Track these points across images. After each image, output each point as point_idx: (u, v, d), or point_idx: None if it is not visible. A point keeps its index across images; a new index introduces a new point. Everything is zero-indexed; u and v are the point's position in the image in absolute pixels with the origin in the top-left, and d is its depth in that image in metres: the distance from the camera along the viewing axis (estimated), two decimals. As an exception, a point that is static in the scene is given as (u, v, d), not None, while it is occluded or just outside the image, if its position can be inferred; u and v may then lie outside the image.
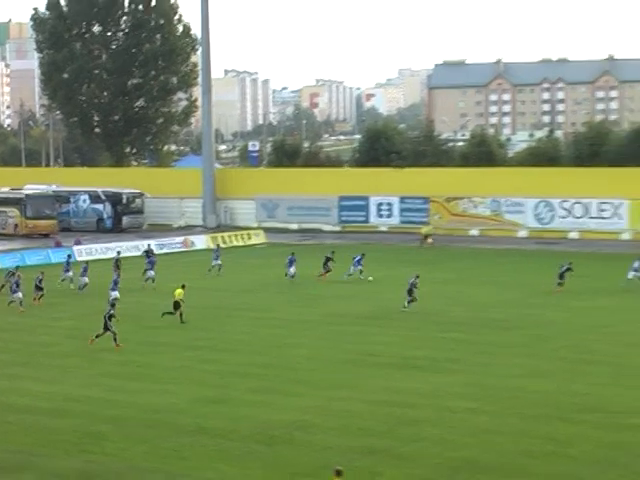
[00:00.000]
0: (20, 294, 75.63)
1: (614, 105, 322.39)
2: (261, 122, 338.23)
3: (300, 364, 58.32)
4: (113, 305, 64.80)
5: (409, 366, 57.19)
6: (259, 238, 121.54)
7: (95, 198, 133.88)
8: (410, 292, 73.22)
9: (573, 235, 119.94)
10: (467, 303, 75.30)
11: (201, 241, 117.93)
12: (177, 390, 52.11)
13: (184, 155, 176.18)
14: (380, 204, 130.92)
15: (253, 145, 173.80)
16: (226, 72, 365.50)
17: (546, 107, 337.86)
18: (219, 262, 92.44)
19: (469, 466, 38.96)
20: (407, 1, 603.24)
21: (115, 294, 74.32)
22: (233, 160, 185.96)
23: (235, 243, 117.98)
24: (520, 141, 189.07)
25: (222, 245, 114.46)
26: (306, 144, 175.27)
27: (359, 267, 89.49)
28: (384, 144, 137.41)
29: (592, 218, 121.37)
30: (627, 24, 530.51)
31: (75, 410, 48.11)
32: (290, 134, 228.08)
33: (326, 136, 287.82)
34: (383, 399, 49.57)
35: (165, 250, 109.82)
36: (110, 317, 62.19)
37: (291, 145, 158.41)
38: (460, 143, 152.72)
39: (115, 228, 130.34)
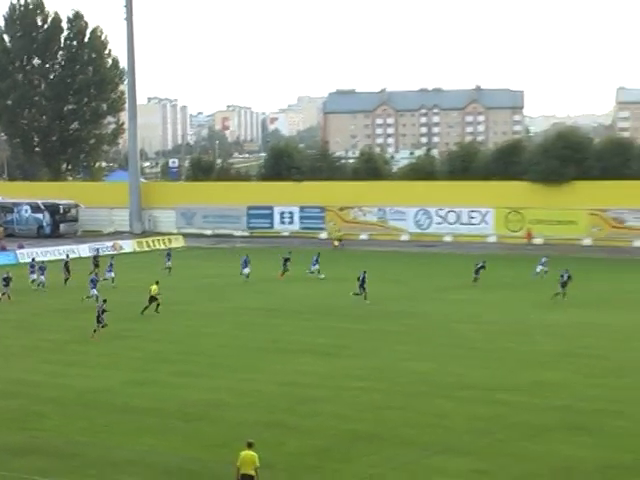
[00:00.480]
0: None
1: (481, 128, 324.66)
2: (180, 142, 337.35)
3: (215, 351, 58.86)
4: (105, 301, 64.75)
5: (309, 352, 57.80)
6: (178, 242, 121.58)
7: (36, 208, 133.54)
8: (362, 285, 73.80)
9: (447, 239, 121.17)
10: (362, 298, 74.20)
11: (128, 245, 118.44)
12: (109, 374, 52.67)
13: (113, 171, 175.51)
14: (283, 213, 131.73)
15: (173, 162, 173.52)
16: (149, 99, 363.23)
17: (424, 130, 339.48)
18: (170, 264, 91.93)
19: (362, 437, 40.20)
20: (305, 35, 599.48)
21: (95, 292, 73.30)
22: (156, 175, 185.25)
23: (158, 247, 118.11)
24: (402, 158, 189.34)
25: (146, 249, 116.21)
26: (219, 161, 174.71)
27: (317, 266, 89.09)
28: (286, 161, 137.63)
29: (463, 224, 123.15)
30: (492, 58, 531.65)
31: (19, 392, 48.58)
32: (205, 153, 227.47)
33: (236, 154, 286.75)
34: (287, 380, 50.54)
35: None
36: (103, 311, 62.90)
37: (206, 162, 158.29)
38: (351, 160, 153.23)
39: (53, 234, 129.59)
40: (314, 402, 46.53)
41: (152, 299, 70.77)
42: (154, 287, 71.32)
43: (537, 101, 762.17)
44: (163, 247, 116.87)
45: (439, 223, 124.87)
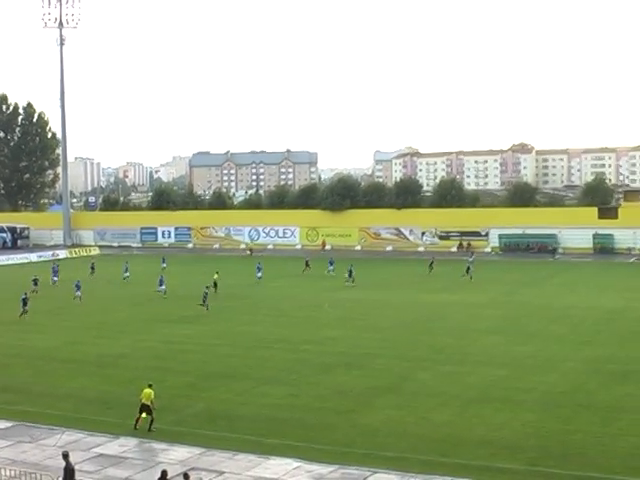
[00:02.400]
0: None
1: (290, 176, 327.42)
2: (96, 186, 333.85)
3: (121, 322, 57.81)
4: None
5: (181, 321, 57.35)
6: (95, 251, 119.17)
7: (1, 230, 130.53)
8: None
9: (270, 247, 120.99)
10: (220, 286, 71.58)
11: (63, 253, 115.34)
12: (54, 337, 51.95)
13: (52, 205, 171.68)
14: (164, 231, 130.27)
15: (91, 199, 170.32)
16: (76, 158, 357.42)
17: (254, 177, 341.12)
18: (128, 274, 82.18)
19: (218, 375, 40.51)
20: (175, 106, 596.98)
21: (79, 293, 67.73)
22: (80, 207, 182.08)
23: (82, 254, 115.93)
24: (240, 196, 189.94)
25: (75, 255, 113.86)
26: (121, 198, 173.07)
27: (259, 274, 79.60)
28: (166, 198, 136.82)
29: (280, 237, 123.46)
30: (298, 127, 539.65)
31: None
32: (112, 193, 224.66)
33: (133, 194, 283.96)
34: (167, 339, 50.40)
35: (43, 259, 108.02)
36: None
37: (113, 199, 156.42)
38: (207, 197, 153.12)
39: (13, 247, 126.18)
40: (185, 353, 46.48)
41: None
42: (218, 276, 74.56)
43: (326, 158, 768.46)
44: (85, 254, 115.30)
45: (264, 237, 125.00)
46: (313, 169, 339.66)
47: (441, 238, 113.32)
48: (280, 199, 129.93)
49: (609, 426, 31.02)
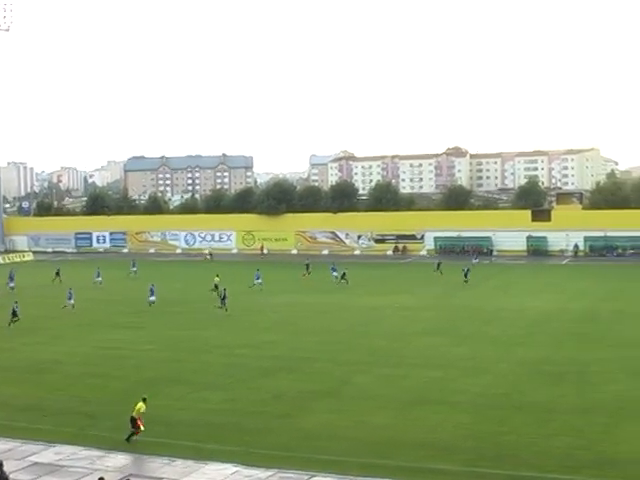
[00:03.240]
0: None
1: (226, 180, 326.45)
2: (29, 191, 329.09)
3: (56, 328, 56.99)
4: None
5: (118, 326, 56.91)
6: (30, 257, 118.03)
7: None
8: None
9: (206, 251, 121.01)
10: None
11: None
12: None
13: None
14: (98, 236, 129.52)
15: (25, 204, 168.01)
16: (8, 163, 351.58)
17: (189, 181, 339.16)
18: (100, 279, 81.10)
19: (154, 380, 40.18)
20: (108, 110, 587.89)
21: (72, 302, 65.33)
22: (14, 212, 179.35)
23: (16, 260, 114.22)
24: (175, 200, 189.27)
25: (8, 261, 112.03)
26: (55, 203, 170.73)
27: (259, 280, 75.90)
28: (100, 202, 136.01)
29: (216, 242, 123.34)
30: (234, 132, 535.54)
31: None
32: (46, 198, 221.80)
33: (67, 199, 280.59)
34: (104, 345, 49.90)
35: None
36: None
37: (46, 204, 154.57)
38: (142, 201, 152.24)
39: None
40: (120, 359, 46.14)
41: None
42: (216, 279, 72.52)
43: (262, 162, 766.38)
44: (19, 260, 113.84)
45: (200, 241, 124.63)
46: (249, 173, 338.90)
47: (377, 241, 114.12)
48: (216, 203, 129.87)
49: (543, 427, 31.53)
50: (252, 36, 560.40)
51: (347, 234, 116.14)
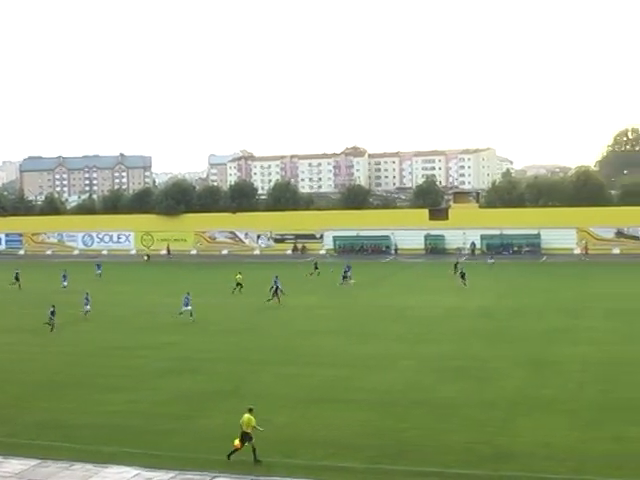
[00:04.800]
0: None
1: (124, 180, 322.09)
2: None
3: None
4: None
5: (21, 330, 55.50)
6: None
7: None
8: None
9: (105, 252, 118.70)
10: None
11: None
12: None
13: None
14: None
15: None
16: None
17: (87, 182, 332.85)
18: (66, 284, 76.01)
19: (53, 383, 39.60)
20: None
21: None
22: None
23: None
24: (73, 201, 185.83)
25: None
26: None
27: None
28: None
29: (114, 242, 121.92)
30: (133, 131, 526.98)
31: None
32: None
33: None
34: (3, 349, 48.56)
35: None
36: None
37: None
38: (39, 202, 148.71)
39: None
40: (20, 362, 45.08)
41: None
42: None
43: (161, 162, 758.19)
44: None
45: (99, 242, 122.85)
46: (147, 173, 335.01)
47: (276, 241, 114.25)
48: (114, 204, 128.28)
49: (444, 422, 32.01)
50: (147, 33, 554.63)
51: (246, 234, 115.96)
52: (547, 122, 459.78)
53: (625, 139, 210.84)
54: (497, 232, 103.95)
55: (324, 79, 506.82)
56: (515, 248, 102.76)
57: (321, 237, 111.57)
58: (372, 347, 47.21)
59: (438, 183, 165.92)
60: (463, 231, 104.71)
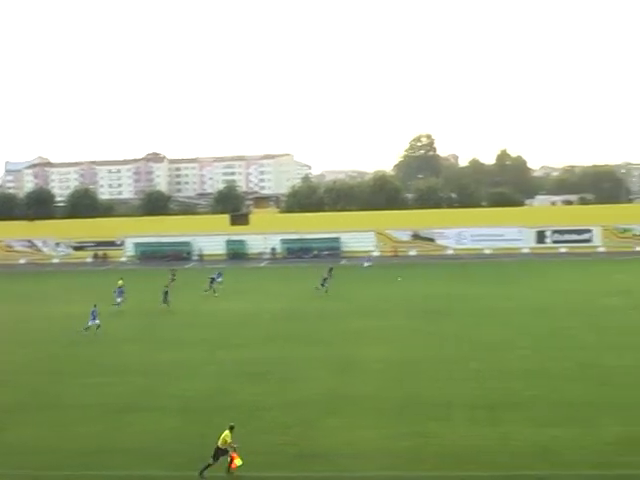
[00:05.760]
0: None
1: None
2: None
3: None
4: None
5: None
6: None
7: None
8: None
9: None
10: None
11: None
12: None
13: None
14: None
15: None
16: None
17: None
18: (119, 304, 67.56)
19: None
20: None
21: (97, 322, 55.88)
22: None
23: None
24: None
25: None
26: None
27: (219, 280, 73.40)
28: None
29: None
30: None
31: None
32: None
33: None
34: None
35: None
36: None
37: None
38: None
39: None
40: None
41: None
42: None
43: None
44: None
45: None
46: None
47: (76, 249, 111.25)
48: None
49: (250, 425, 32.37)
50: None
51: (45, 242, 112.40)
52: (345, 128, 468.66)
53: (420, 144, 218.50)
54: (297, 236, 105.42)
55: (121, 83, 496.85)
56: (315, 252, 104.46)
57: (122, 244, 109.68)
58: (175, 354, 47.00)
59: (238, 188, 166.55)
60: (264, 236, 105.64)
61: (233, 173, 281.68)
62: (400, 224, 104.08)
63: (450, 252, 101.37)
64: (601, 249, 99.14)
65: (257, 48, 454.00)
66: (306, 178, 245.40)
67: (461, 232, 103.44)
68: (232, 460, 27.60)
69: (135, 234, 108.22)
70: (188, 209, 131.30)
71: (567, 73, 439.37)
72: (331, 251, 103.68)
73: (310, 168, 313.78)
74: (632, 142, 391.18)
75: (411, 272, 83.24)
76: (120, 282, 69.40)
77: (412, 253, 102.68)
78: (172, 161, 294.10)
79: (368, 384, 38.78)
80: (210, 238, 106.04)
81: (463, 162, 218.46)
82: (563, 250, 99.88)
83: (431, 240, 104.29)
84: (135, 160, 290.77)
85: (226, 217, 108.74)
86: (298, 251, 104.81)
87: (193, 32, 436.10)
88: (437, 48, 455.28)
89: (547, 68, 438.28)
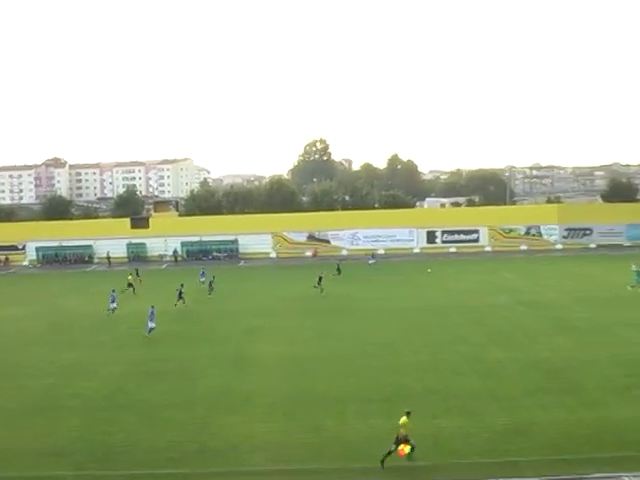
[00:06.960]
0: None
1: None
2: None
3: None
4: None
5: None
6: None
7: None
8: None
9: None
10: None
11: None
12: None
13: None
14: None
15: None
16: None
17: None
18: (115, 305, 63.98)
19: None
20: None
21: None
22: None
23: None
24: None
25: None
26: None
27: (203, 279, 73.70)
28: None
29: None
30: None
31: None
32: None
33: None
34: None
35: None
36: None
37: None
38: None
39: None
40: None
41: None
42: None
43: None
44: None
45: None
46: None
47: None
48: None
49: (148, 424, 32.34)
50: None
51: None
52: (243, 133, 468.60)
53: (314, 149, 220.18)
54: (197, 239, 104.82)
55: (20, 87, 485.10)
56: (214, 253, 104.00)
57: (23, 248, 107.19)
58: (76, 354, 46.29)
59: (139, 193, 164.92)
60: (164, 239, 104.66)
61: (133, 178, 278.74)
62: (296, 226, 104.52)
63: (344, 253, 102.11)
64: (488, 248, 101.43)
65: (154, 52, 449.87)
66: (204, 182, 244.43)
67: (355, 233, 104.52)
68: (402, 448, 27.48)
69: (37, 238, 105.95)
70: (89, 213, 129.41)
71: (454, 80, 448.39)
72: (229, 252, 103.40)
73: (209, 172, 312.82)
74: (515, 147, 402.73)
75: (307, 273, 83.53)
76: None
77: (308, 254, 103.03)
78: (73, 166, 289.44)
79: (263, 380, 38.94)
80: (111, 241, 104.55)
81: (356, 166, 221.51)
82: (452, 250, 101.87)
83: (326, 241, 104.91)
84: (36, 165, 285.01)
85: (127, 221, 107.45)
86: (198, 253, 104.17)
87: (90, 35, 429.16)
88: (330, 54, 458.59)
89: (435, 76, 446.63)
